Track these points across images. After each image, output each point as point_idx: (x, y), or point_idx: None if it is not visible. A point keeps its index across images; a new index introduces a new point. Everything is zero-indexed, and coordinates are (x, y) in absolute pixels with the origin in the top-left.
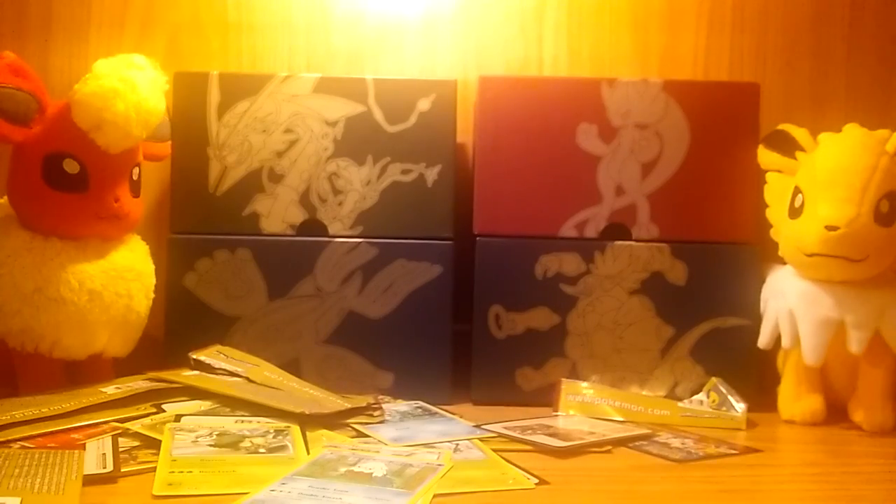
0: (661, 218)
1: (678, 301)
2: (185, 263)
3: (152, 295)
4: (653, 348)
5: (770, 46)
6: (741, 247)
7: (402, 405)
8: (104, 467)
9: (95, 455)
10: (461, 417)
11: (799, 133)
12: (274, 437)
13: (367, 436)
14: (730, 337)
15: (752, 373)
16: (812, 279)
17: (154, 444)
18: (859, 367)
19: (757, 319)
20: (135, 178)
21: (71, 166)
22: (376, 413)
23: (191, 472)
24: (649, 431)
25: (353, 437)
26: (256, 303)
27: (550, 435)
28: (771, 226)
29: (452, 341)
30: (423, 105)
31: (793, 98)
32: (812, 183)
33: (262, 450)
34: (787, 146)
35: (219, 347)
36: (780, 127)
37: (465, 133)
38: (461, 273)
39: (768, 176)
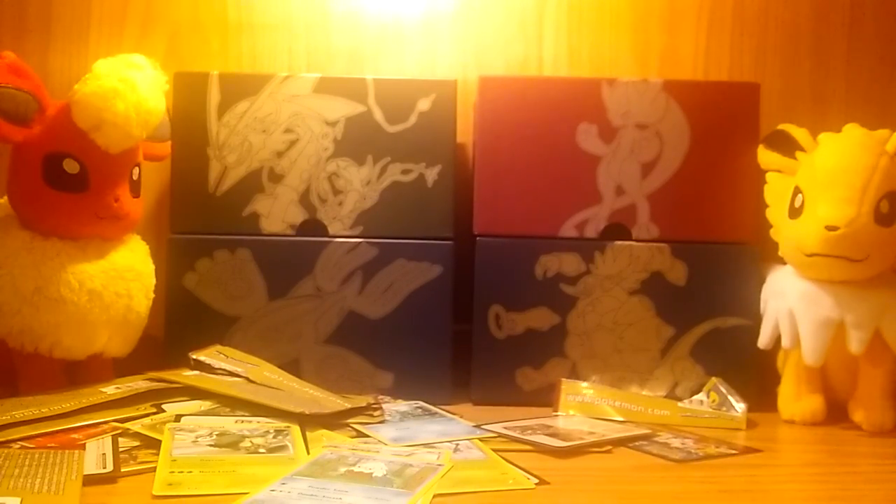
0: (661, 218)
1: (678, 301)
2: (185, 263)
3: (152, 295)
4: (653, 348)
5: (770, 46)
6: (741, 247)
7: (402, 405)
8: (104, 467)
9: (95, 455)
10: (461, 417)
11: (799, 133)
12: (274, 437)
13: (367, 436)
14: (730, 337)
15: (752, 373)
16: (812, 279)
17: (154, 444)
18: (859, 367)
19: (757, 319)
20: (135, 178)
21: (71, 166)
22: (376, 413)
23: (191, 472)
24: (649, 431)
25: (353, 437)
26: (256, 303)
27: (550, 435)
28: (771, 226)
29: (452, 341)
30: (423, 105)
31: (793, 98)
32: (812, 183)
33: (262, 450)
34: (787, 146)
35: (219, 347)
36: (780, 127)
37: (465, 133)
38: (461, 273)
39: (768, 176)
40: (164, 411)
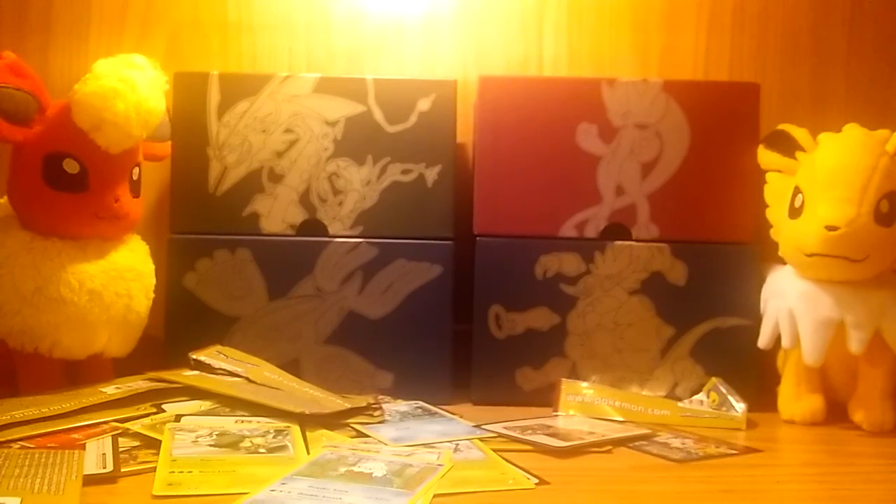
0: (661, 218)
1: (678, 301)
2: (185, 263)
3: (152, 295)
4: (653, 348)
5: (770, 46)
6: (741, 247)
7: (402, 405)
8: (104, 467)
9: (95, 455)
10: (461, 417)
11: (799, 133)
12: (274, 437)
13: (367, 436)
14: (730, 337)
15: (752, 373)
16: (812, 279)
17: (154, 444)
18: (859, 367)
19: (757, 319)
20: (135, 178)
21: (71, 166)
22: (376, 413)
23: (191, 472)
24: (649, 431)
25: (353, 437)
26: (256, 303)
27: (550, 435)
28: (771, 226)
29: (452, 341)
30: (423, 105)
31: (793, 98)
32: (812, 183)
33: (262, 450)
34: (787, 146)
35: (219, 347)
36: (780, 127)
37: (465, 133)
38: (461, 273)
39: (768, 176)
40: (164, 411)
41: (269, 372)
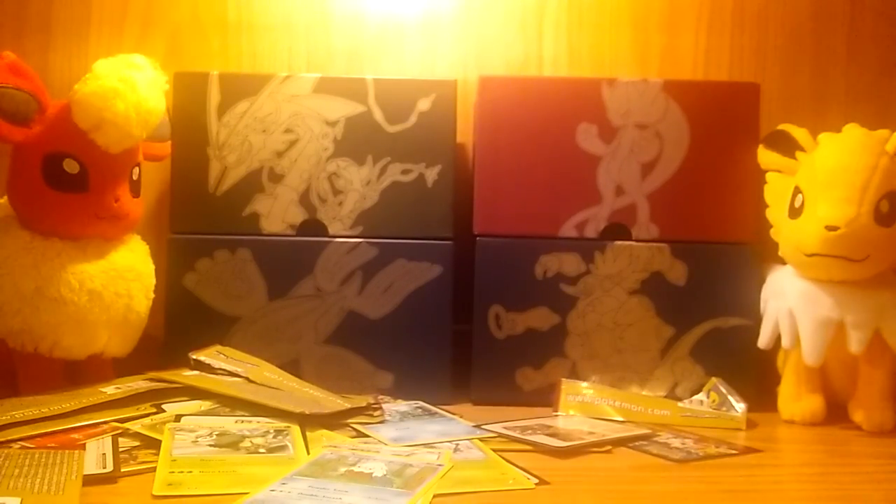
0: (661, 218)
1: (678, 301)
2: (185, 263)
3: (152, 295)
4: (653, 348)
5: (770, 46)
6: (741, 247)
7: (402, 405)
8: (104, 467)
9: (95, 455)
10: (461, 417)
11: (799, 133)
12: (274, 437)
13: (367, 436)
14: (730, 337)
15: (752, 373)
16: (812, 279)
17: (154, 444)
18: (859, 367)
19: (757, 319)
20: (135, 178)
21: (71, 166)
22: (376, 413)
23: (191, 472)
24: (649, 431)
25: (353, 437)
26: (256, 303)
27: (550, 435)
28: (771, 226)
29: (452, 341)
30: (423, 105)
31: (793, 98)
32: (812, 183)
33: (262, 450)
34: (787, 146)
35: (219, 348)
36: (780, 127)
37: (465, 133)
38: (461, 273)
39: (768, 176)
40: (164, 411)
41: (269, 372)
